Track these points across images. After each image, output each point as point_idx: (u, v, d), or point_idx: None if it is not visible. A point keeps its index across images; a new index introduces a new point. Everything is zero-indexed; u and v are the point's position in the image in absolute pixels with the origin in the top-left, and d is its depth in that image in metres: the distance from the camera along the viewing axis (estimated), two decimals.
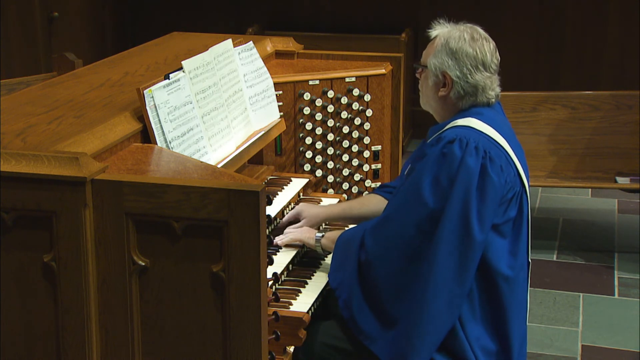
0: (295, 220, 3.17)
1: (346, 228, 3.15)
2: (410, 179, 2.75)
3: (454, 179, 2.61)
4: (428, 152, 2.71)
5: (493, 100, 2.80)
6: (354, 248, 2.78)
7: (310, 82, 3.61)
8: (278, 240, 3.05)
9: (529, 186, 2.81)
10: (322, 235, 3.00)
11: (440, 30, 2.86)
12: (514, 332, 2.73)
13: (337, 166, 3.68)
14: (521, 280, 2.76)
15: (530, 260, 2.84)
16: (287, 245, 3.05)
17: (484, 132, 2.69)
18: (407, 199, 2.70)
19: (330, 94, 3.61)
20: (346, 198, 3.63)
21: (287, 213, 3.24)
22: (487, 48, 2.77)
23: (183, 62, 2.90)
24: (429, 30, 2.91)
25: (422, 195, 2.65)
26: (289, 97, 3.59)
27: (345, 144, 3.67)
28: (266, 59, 3.64)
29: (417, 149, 2.89)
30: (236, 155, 3.07)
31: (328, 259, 3.04)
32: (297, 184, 3.46)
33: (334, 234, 2.95)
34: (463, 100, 2.78)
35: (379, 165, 3.74)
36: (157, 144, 2.71)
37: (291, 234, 3.06)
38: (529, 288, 2.85)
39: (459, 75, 2.76)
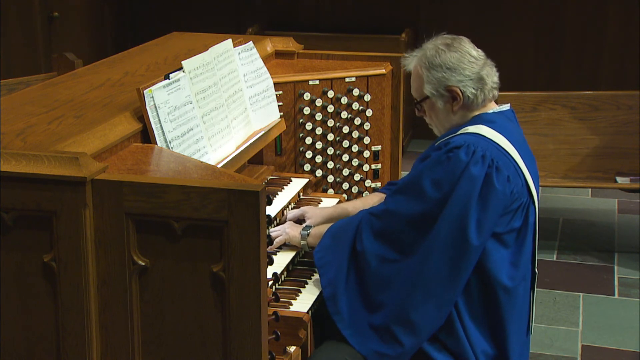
0: (297, 220, 3.17)
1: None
2: (412, 176, 2.73)
3: (455, 185, 2.60)
4: (432, 155, 2.69)
5: (496, 91, 2.78)
6: (349, 233, 2.77)
7: (310, 82, 3.61)
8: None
9: (539, 197, 2.78)
10: (308, 234, 2.99)
11: (414, 60, 2.83)
12: (511, 342, 2.71)
13: (337, 166, 3.68)
14: (522, 291, 2.73)
15: (537, 270, 2.81)
16: (287, 245, 3.05)
17: (494, 140, 2.67)
18: (407, 195, 2.69)
19: (330, 94, 3.61)
20: (346, 198, 3.63)
21: (287, 213, 3.24)
22: (465, 45, 2.77)
23: (183, 62, 2.90)
24: (405, 67, 2.89)
25: (422, 195, 2.64)
26: (289, 97, 3.59)
27: (345, 144, 3.67)
28: (266, 59, 3.64)
29: (425, 151, 2.87)
30: (236, 155, 3.07)
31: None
32: (297, 184, 3.46)
33: (320, 230, 2.94)
34: (477, 99, 2.75)
35: (379, 165, 3.74)
36: (157, 144, 2.70)
37: (276, 235, 3.03)
38: (534, 298, 2.82)
39: (462, 79, 2.74)
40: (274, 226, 3.15)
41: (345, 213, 3.16)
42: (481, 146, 2.63)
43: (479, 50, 2.80)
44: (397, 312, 2.66)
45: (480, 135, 2.68)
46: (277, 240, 3.01)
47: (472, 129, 2.71)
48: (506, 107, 2.83)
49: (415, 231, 2.65)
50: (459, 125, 2.78)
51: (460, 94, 2.75)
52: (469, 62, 2.74)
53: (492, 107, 2.80)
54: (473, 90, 2.74)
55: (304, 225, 3.07)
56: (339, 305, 2.73)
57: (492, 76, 2.78)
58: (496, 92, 2.79)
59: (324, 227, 2.93)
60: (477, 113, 2.78)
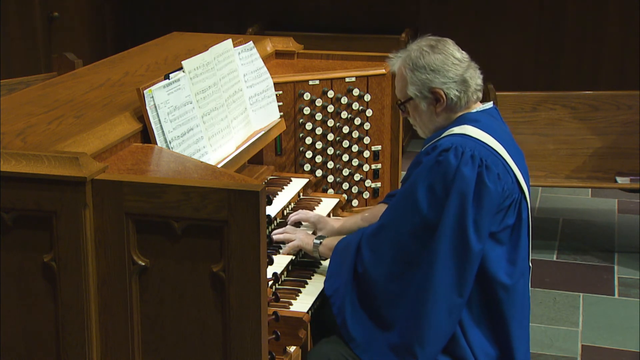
0: (298, 224, 3.17)
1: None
2: (405, 186, 2.73)
3: (449, 189, 2.59)
4: (423, 160, 2.68)
5: (480, 93, 2.78)
6: (350, 255, 2.76)
7: (310, 82, 3.61)
8: (277, 239, 3.04)
9: (529, 192, 2.78)
10: (320, 243, 2.98)
11: (398, 61, 2.84)
12: (515, 339, 2.70)
13: (337, 166, 3.68)
14: (521, 287, 2.72)
15: (530, 265, 2.82)
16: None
17: (480, 139, 2.67)
18: (403, 207, 2.68)
19: (330, 94, 3.61)
20: (346, 198, 3.63)
21: (287, 213, 3.24)
22: (449, 47, 2.77)
23: (183, 62, 2.90)
24: (390, 67, 2.89)
25: (418, 204, 2.63)
26: (289, 97, 3.59)
27: (345, 144, 3.67)
28: (266, 59, 3.64)
29: (415, 157, 2.87)
30: (236, 155, 3.07)
31: (327, 260, 3.04)
32: (297, 184, 3.46)
33: (332, 242, 2.93)
34: (460, 101, 2.75)
35: (379, 165, 3.74)
36: (157, 144, 2.71)
37: (290, 240, 3.03)
38: (529, 292, 2.83)
39: (445, 81, 2.73)
40: (275, 226, 3.15)
41: (355, 226, 3.13)
42: (469, 146, 2.63)
43: (463, 52, 2.79)
44: (410, 326, 2.63)
45: (466, 135, 2.68)
46: (290, 244, 3.00)
47: (457, 129, 2.71)
48: (489, 105, 2.83)
49: (417, 241, 2.63)
50: (443, 127, 2.78)
51: (444, 96, 2.74)
52: (452, 64, 2.74)
53: (476, 107, 2.80)
54: (457, 93, 2.74)
55: (317, 234, 3.05)
56: (351, 332, 2.72)
57: (475, 78, 2.78)
58: (480, 94, 2.79)
59: (336, 240, 2.91)
60: (460, 114, 2.78)
